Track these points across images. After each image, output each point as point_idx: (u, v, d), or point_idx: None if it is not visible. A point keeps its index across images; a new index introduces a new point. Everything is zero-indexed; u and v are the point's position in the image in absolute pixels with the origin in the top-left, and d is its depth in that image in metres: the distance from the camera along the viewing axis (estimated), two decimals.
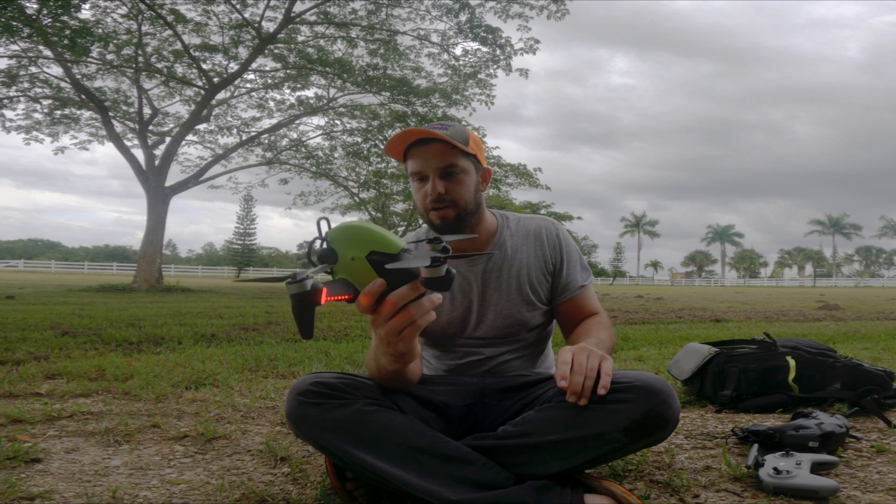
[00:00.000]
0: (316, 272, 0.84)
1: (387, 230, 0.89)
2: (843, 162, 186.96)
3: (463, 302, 1.40)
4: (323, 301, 0.83)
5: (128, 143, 15.66)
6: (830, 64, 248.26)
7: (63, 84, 14.75)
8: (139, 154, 15.29)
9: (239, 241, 57.40)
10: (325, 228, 0.89)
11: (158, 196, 14.90)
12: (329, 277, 0.90)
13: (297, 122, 17.88)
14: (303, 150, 18.74)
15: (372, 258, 0.85)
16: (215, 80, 14.58)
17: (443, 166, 1.30)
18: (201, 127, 16.86)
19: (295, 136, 18.66)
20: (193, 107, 15.48)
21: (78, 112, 15.81)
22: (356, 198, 21.38)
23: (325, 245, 0.87)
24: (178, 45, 13.73)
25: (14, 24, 9.81)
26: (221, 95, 15.98)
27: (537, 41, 13.52)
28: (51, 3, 9.82)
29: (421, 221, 1.80)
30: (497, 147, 19.89)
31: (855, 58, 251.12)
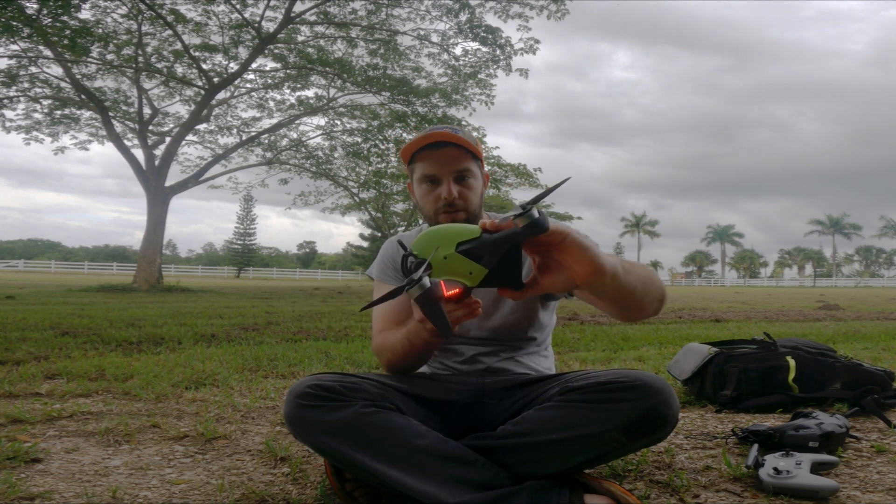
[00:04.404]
0: (421, 275, 0.88)
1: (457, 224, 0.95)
2: (848, 160, 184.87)
3: None
4: (445, 293, 0.89)
5: (128, 143, 15.69)
6: (838, 58, 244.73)
7: (63, 84, 14.77)
8: (139, 154, 15.31)
9: (239, 241, 57.49)
10: (403, 254, 0.95)
11: (158, 196, 14.91)
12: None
13: (297, 122, 17.91)
14: (303, 150, 18.75)
15: (461, 249, 0.89)
16: (215, 80, 14.59)
17: (458, 170, 1.32)
18: (201, 127, 16.89)
19: (295, 136, 18.70)
20: (193, 107, 15.49)
21: (78, 112, 15.82)
22: (356, 198, 21.38)
23: (415, 259, 0.92)
24: (178, 45, 13.73)
25: (14, 24, 9.81)
26: (221, 95, 15.99)
27: (537, 41, 13.54)
28: (51, 3, 9.83)
29: (421, 222, 1.79)
30: (497, 147, 19.88)
31: (863, 52, 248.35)
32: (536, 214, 0.85)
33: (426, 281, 0.87)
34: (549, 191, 0.91)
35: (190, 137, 16.93)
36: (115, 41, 13.23)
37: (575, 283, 0.91)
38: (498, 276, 0.89)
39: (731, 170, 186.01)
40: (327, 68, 14.81)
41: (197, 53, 14.04)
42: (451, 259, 0.89)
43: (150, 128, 16.12)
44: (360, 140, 17.33)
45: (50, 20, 10.21)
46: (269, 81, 16.63)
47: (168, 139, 15.81)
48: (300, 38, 14.88)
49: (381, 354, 1.34)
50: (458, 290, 0.90)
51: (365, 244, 44.43)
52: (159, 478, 1.41)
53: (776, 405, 2.12)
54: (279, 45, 14.41)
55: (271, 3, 13.20)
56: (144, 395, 2.29)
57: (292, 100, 17.00)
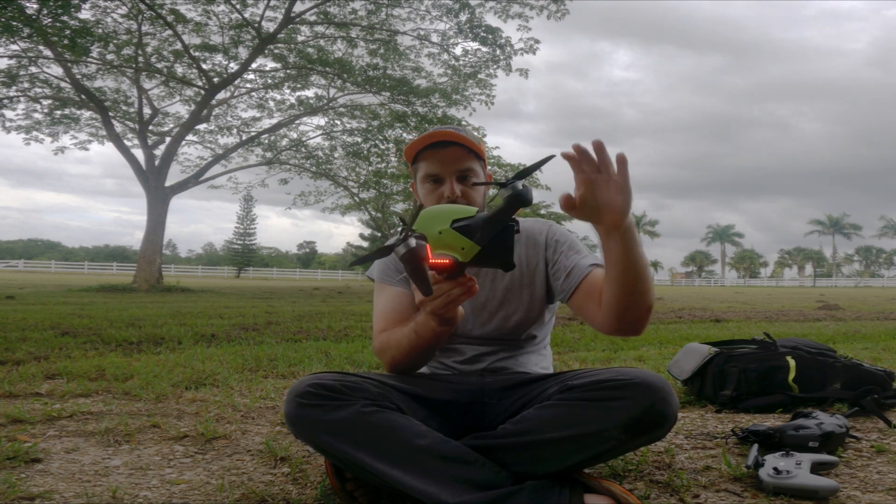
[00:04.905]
0: (408, 235, 0.95)
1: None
2: (848, 160, 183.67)
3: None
4: (430, 258, 0.94)
5: (128, 143, 15.68)
6: (839, 58, 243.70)
7: (63, 84, 14.77)
8: (139, 154, 15.31)
9: (239, 241, 57.50)
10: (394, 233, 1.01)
11: (158, 196, 14.90)
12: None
13: (297, 122, 17.90)
14: (303, 150, 18.74)
15: (455, 225, 0.94)
16: (215, 80, 14.59)
17: (461, 169, 1.33)
18: (201, 127, 16.88)
19: (295, 136, 18.70)
20: (193, 107, 15.49)
21: (78, 112, 15.82)
22: (356, 198, 21.37)
23: (413, 232, 0.97)
24: (178, 45, 13.73)
25: (14, 24, 9.81)
26: (221, 95, 15.98)
27: (537, 41, 13.55)
28: (51, 3, 9.82)
29: None
30: (497, 147, 19.91)
31: (864, 52, 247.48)
32: (520, 187, 0.90)
33: (412, 241, 0.93)
34: (533, 167, 0.95)
35: (190, 137, 16.95)
36: (115, 41, 13.23)
37: (600, 217, 0.99)
38: (490, 254, 0.93)
39: (731, 170, 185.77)
40: (327, 68, 14.81)
41: (197, 53, 14.03)
42: (445, 234, 0.93)
43: (150, 128, 16.12)
44: (360, 140, 17.32)
45: (50, 20, 10.21)
46: (269, 81, 16.64)
47: (168, 139, 15.80)
48: (300, 38, 14.88)
49: (385, 353, 1.34)
50: (447, 260, 0.94)
51: (365, 244, 44.44)
52: (159, 478, 1.41)
53: (776, 405, 2.12)
54: (279, 45, 14.41)
55: (271, 3, 13.20)
56: (144, 395, 2.29)
57: (292, 100, 17.02)
